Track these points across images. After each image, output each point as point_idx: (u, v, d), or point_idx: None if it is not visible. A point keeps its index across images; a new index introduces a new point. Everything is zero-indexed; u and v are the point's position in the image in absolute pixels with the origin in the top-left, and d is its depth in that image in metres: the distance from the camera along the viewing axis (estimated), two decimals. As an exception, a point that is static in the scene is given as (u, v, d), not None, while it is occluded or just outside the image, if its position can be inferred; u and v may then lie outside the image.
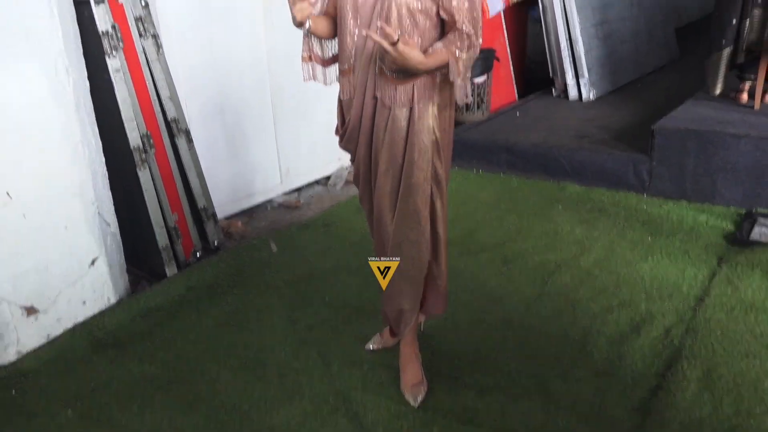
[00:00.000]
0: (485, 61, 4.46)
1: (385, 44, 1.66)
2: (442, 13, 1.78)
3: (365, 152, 2.00)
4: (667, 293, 2.55)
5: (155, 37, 2.74)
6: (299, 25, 1.85)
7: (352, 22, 1.84)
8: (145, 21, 2.68)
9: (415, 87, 1.84)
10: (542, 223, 3.25)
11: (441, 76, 1.83)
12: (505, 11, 4.93)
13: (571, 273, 2.74)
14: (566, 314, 2.46)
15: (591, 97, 4.72)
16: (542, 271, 2.77)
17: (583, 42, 4.63)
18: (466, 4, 1.76)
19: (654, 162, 3.45)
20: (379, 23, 1.72)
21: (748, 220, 3.10)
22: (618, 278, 2.68)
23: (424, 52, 1.77)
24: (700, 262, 2.77)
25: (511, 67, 5.05)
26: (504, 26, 4.96)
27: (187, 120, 2.99)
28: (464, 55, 1.77)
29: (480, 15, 1.79)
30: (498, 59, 4.65)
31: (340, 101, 1.99)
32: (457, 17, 1.76)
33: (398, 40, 1.66)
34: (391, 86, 1.83)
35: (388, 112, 1.87)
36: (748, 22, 3.53)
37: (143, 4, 2.69)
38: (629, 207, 3.38)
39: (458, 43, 1.76)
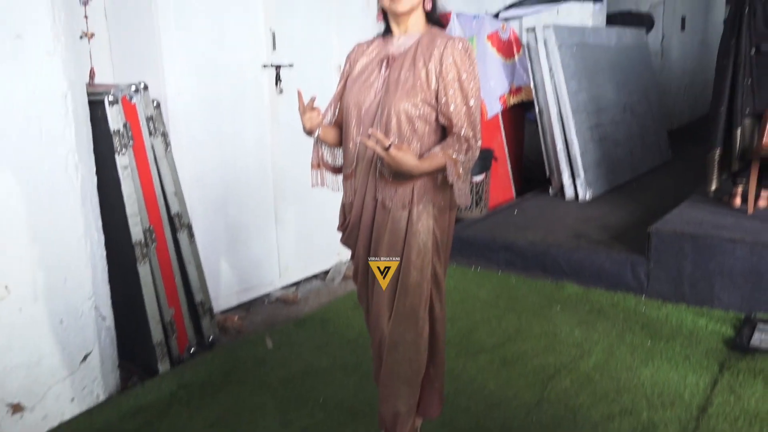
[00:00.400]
0: (484, 160, 4.58)
1: (378, 149, 1.75)
2: (441, 118, 1.86)
3: (364, 251, 2.02)
4: (669, 401, 2.50)
5: (164, 135, 2.83)
6: (309, 133, 1.94)
7: (355, 129, 1.92)
8: (155, 120, 2.78)
9: (414, 189, 1.90)
10: (541, 323, 3.22)
11: (441, 177, 1.88)
12: (502, 112, 5.12)
13: (570, 377, 2.69)
14: (567, 422, 2.39)
15: (587, 197, 4.82)
16: (542, 374, 2.73)
17: (579, 144, 4.77)
18: (464, 108, 1.84)
19: (651, 264, 3.48)
20: (370, 130, 1.81)
21: (748, 325, 3.08)
22: (618, 384, 2.63)
23: (422, 156, 1.84)
24: (702, 368, 2.73)
25: (509, 166, 5.18)
26: (502, 127, 5.13)
27: (189, 213, 3.04)
28: (462, 158, 1.83)
29: (478, 118, 1.87)
30: (496, 159, 4.78)
31: (343, 204, 2.05)
32: (455, 121, 1.84)
33: (390, 145, 1.73)
34: (391, 188, 1.89)
35: (388, 213, 1.92)
36: (739, 131, 3.67)
37: (155, 104, 2.80)
38: (628, 309, 3.37)
39: (456, 147, 1.83)
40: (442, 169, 1.82)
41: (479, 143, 1.87)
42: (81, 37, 2.89)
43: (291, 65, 3.56)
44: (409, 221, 1.91)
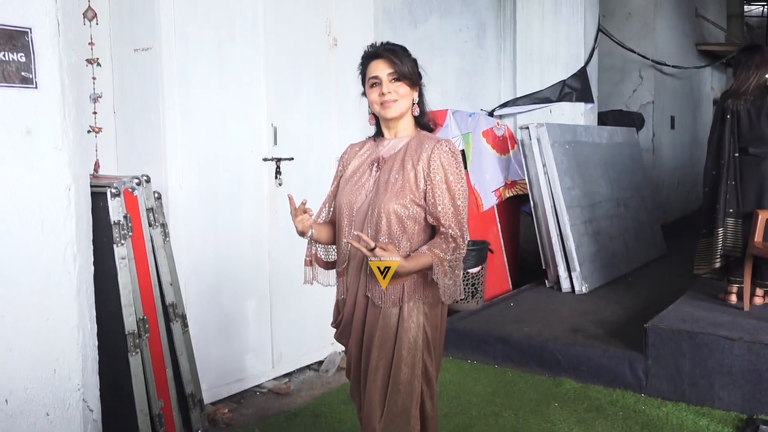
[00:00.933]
0: (479, 252, 4.61)
1: (364, 250, 1.79)
2: (429, 217, 1.92)
3: (356, 348, 2.04)
4: None
5: (164, 225, 2.88)
6: (301, 234, 2.00)
7: (347, 228, 1.97)
8: (156, 212, 2.83)
9: (404, 286, 1.92)
10: (539, 421, 3.15)
11: (430, 275, 1.91)
12: (498, 205, 5.21)
13: (569, 481, 2.60)
14: None
15: (583, 290, 4.82)
16: (539, 477, 2.63)
17: (574, 238, 4.83)
18: (451, 209, 1.89)
19: (650, 361, 3.44)
20: (354, 232, 1.86)
21: (750, 427, 3.00)
22: (619, 489, 2.54)
23: (410, 255, 1.87)
24: (705, 473, 2.64)
25: (505, 258, 5.22)
26: (497, 219, 5.20)
27: (184, 302, 3.04)
28: (449, 257, 1.87)
29: (466, 218, 1.92)
30: (492, 251, 4.81)
31: (337, 300, 2.07)
32: (443, 221, 1.89)
33: (375, 246, 1.77)
34: (381, 286, 1.90)
35: (379, 311, 1.94)
36: (722, 231, 3.74)
37: (156, 195, 2.87)
38: (627, 407, 3.30)
39: (443, 246, 1.87)
40: (429, 268, 1.86)
41: (466, 242, 1.92)
42: (89, 132, 3.00)
43: (291, 159, 3.67)
44: (399, 318, 1.93)
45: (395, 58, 1.96)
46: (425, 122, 2.06)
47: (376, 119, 2.06)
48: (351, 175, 2.05)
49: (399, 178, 1.92)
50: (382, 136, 2.07)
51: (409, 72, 1.97)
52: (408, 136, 2.03)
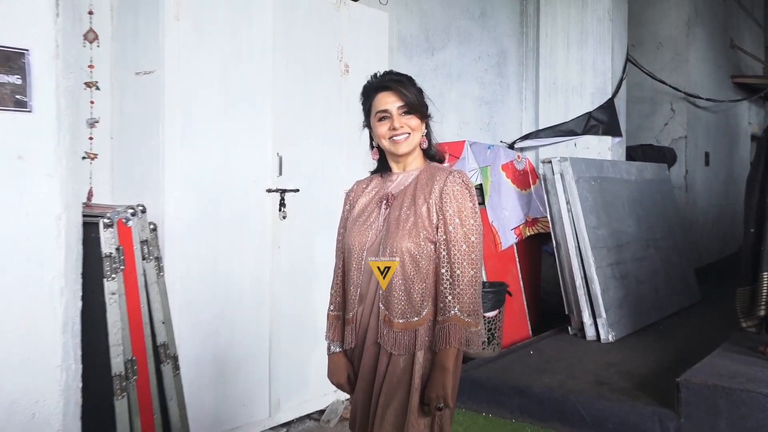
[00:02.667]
0: (497, 295, 4.57)
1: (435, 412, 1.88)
2: (440, 251, 1.90)
3: (364, 398, 2.01)
4: None
5: (158, 259, 2.88)
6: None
7: (356, 271, 1.96)
8: (150, 244, 2.84)
9: (417, 333, 1.90)
10: (559, 484, 3.06)
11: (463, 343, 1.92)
12: (518, 244, 5.17)
13: None
14: None
15: (610, 338, 4.74)
16: None
17: (599, 281, 4.77)
18: (464, 246, 1.88)
19: (682, 419, 3.35)
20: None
21: (795, 497, 2.90)
22: None
23: (424, 298, 1.89)
24: None
25: (525, 301, 5.16)
26: (517, 259, 5.16)
27: (177, 342, 3.01)
28: (468, 307, 1.87)
29: (480, 255, 1.91)
30: (510, 294, 4.77)
31: (344, 350, 2.06)
32: (454, 260, 1.88)
33: (443, 406, 1.86)
34: (393, 333, 1.90)
35: (389, 358, 1.92)
36: (766, 275, 3.67)
37: (152, 227, 2.87)
38: (657, 471, 3.20)
39: (454, 301, 1.87)
40: (464, 344, 1.88)
41: (480, 281, 1.92)
42: (83, 158, 3.03)
43: (297, 190, 3.67)
44: (412, 367, 1.91)
45: (405, 90, 1.97)
46: (434, 153, 2.06)
47: (381, 153, 2.06)
48: (359, 215, 2.04)
49: (411, 215, 1.92)
50: (389, 170, 2.07)
51: (418, 104, 1.99)
52: (417, 168, 2.03)
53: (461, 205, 1.90)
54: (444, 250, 1.90)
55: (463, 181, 1.94)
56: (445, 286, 1.89)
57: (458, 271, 1.88)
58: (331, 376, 2.13)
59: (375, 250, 1.95)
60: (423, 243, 1.90)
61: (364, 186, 2.11)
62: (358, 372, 2.03)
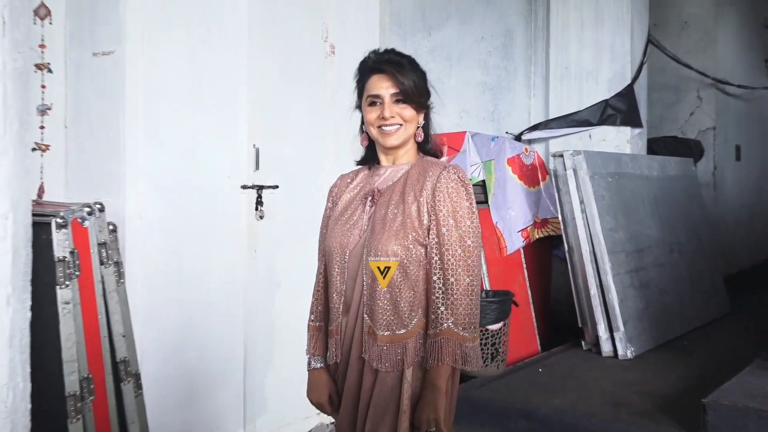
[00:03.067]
0: (502, 305, 4.58)
1: None
2: (432, 257, 1.89)
3: (348, 421, 2.02)
4: None
5: (118, 264, 2.88)
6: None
7: (338, 276, 1.97)
8: (109, 247, 2.84)
9: (407, 346, 1.91)
10: None
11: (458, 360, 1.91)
12: (525, 248, 5.20)
13: None
14: None
15: (628, 354, 4.77)
16: None
17: (617, 290, 4.80)
18: (459, 250, 1.87)
19: (708, 445, 3.37)
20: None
21: None
22: None
23: (413, 309, 1.88)
24: None
25: (533, 313, 5.18)
26: (524, 265, 5.19)
27: (140, 358, 3.01)
28: (463, 321, 1.87)
29: (478, 261, 1.91)
30: (516, 304, 4.78)
31: (328, 365, 2.06)
32: (448, 266, 1.87)
33: (434, 431, 1.87)
34: (379, 346, 1.90)
35: (375, 376, 1.92)
36: None
37: (111, 228, 2.87)
38: (681, 503, 3.23)
39: (447, 312, 1.86)
40: (455, 355, 1.88)
41: (477, 289, 1.91)
42: (33, 149, 3.02)
43: (276, 187, 3.68)
44: (401, 384, 1.91)
45: (401, 76, 1.96)
46: (430, 148, 2.06)
47: (370, 140, 2.06)
48: (342, 212, 2.05)
49: (398, 214, 1.92)
50: (377, 162, 2.07)
51: (416, 92, 1.98)
52: (409, 163, 2.03)
53: (456, 204, 1.90)
54: (436, 254, 1.90)
55: (458, 177, 1.94)
56: (437, 295, 1.89)
57: (452, 279, 1.88)
58: (311, 394, 2.14)
59: (359, 252, 1.95)
60: (412, 246, 1.89)
61: (349, 180, 2.12)
62: (342, 391, 2.03)
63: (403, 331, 1.90)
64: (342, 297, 1.97)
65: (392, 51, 2.06)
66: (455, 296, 1.87)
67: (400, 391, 1.91)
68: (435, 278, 1.90)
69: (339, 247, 1.98)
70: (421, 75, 2.02)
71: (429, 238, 1.90)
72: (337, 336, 2.00)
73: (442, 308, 1.87)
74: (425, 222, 1.91)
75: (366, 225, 1.97)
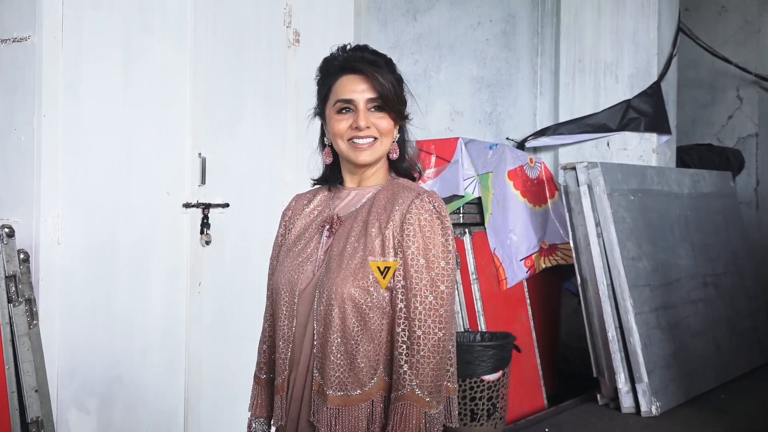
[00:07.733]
0: (500, 350, 4.61)
1: None
2: (398, 302, 1.88)
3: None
4: None
5: (30, 302, 2.87)
6: None
7: (286, 321, 1.96)
8: (20, 280, 2.83)
9: (363, 413, 1.88)
10: None
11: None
12: (529, 280, 5.23)
13: None
14: None
15: (653, 410, 4.81)
16: None
17: (640, 333, 4.85)
18: (430, 298, 1.85)
19: None
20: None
21: None
22: None
23: (373, 365, 1.88)
24: None
25: (538, 359, 5.21)
26: (528, 301, 5.22)
27: (55, 416, 3.00)
28: (428, 385, 1.85)
29: (450, 311, 1.89)
30: (518, 349, 4.82)
31: (276, 428, 2.05)
32: (414, 316, 1.85)
33: None
34: (330, 410, 1.88)
35: None
36: None
37: (22, 257, 2.87)
38: None
39: (416, 380, 1.84)
40: (420, 424, 1.85)
41: (450, 345, 1.91)
42: (-73, 159, 3.03)
43: (226, 205, 3.69)
44: None
45: (381, 78, 1.95)
46: (405, 167, 2.06)
47: (334, 155, 2.07)
48: (295, 242, 2.04)
49: (359, 248, 1.91)
50: (340, 182, 2.09)
51: (395, 98, 1.97)
52: (377, 185, 2.02)
53: (429, 241, 1.88)
54: (402, 301, 1.87)
55: (434, 206, 1.92)
56: (400, 350, 1.87)
57: (419, 332, 1.85)
58: None
59: (310, 293, 1.94)
60: (373, 289, 1.88)
61: (305, 202, 2.11)
62: None
63: (358, 392, 1.88)
64: (290, 346, 1.96)
65: (366, 48, 2.03)
66: (422, 353, 1.85)
67: None
68: (399, 330, 1.87)
69: (288, 285, 1.97)
70: (399, 79, 2.02)
71: (394, 281, 1.88)
72: (282, 393, 1.99)
73: (406, 367, 1.85)
74: (391, 260, 1.89)
75: (321, 260, 1.97)
